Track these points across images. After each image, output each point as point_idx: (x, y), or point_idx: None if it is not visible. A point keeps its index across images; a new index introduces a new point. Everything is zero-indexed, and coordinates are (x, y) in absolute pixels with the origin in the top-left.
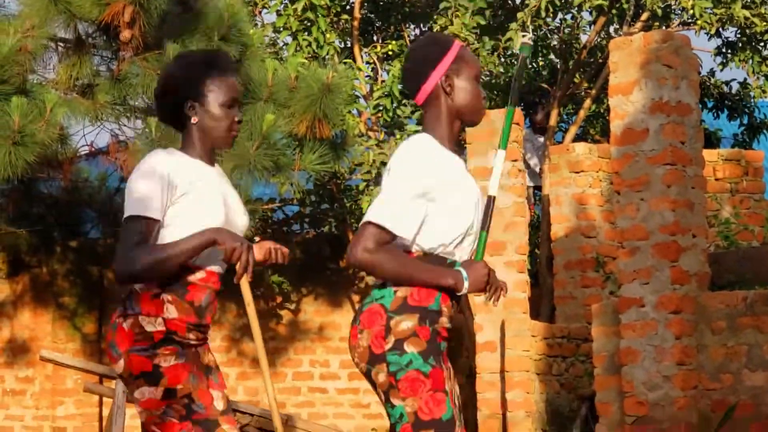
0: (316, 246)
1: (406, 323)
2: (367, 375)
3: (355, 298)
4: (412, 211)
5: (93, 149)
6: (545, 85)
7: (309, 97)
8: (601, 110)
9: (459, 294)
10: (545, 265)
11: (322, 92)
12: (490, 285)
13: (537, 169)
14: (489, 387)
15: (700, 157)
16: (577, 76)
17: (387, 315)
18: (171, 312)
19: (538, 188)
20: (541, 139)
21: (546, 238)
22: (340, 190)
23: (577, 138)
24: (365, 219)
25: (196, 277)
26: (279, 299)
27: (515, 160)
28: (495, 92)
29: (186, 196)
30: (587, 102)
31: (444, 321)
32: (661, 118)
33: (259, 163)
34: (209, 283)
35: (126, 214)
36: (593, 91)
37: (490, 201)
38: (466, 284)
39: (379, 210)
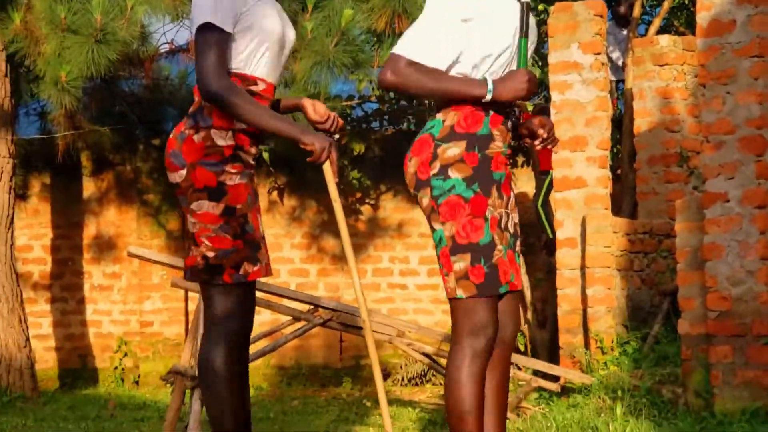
0: (394, 143)
1: (453, 150)
2: (417, 201)
3: None
4: (443, 40)
5: (173, 47)
6: None
7: None
8: (686, 1)
9: (490, 102)
10: (627, 161)
11: None
12: (531, 90)
13: (620, 63)
14: (569, 283)
15: None
16: None
17: (435, 143)
18: (239, 123)
19: (621, 82)
20: (624, 32)
21: (629, 133)
22: None
23: (661, 30)
24: (393, 50)
25: (259, 88)
26: (358, 195)
27: (597, 53)
28: None
29: (248, 4)
30: None
31: (497, 146)
32: (748, 8)
33: (337, 60)
34: (268, 94)
35: (200, 21)
36: None
37: (524, 6)
38: (490, 88)
39: (408, 42)
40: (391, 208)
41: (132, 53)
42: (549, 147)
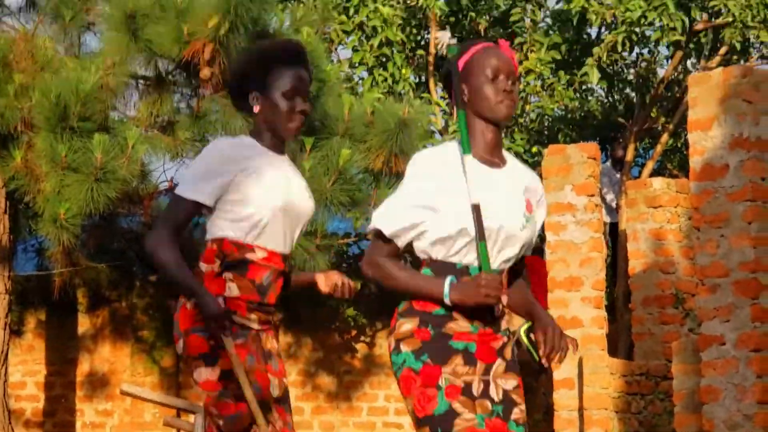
0: None
1: (406, 326)
2: None
3: None
4: (406, 215)
5: (173, 185)
6: (621, 120)
7: (385, 132)
8: (679, 144)
9: (449, 303)
10: (622, 302)
11: (398, 127)
12: (491, 297)
13: (613, 205)
14: (567, 425)
15: None
16: (654, 110)
17: (396, 318)
18: (233, 290)
19: (614, 224)
20: (618, 174)
21: (623, 274)
22: None
23: (654, 173)
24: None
25: (257, 256)
26: (354, 333)
27: (591, 195)
28: (570, 127)
29: (245, 172)
30: (664, 136)
31: (458, 325)
32: (741, 153)
33: (335, 198)
34: (271, 263)
35: (177, 190)
36: (670, 126)
37: (477, 210)
38: (446, 293)
39: (376, 213)
40: (387, 345)
41: (131, 191)
42: (555, 360)
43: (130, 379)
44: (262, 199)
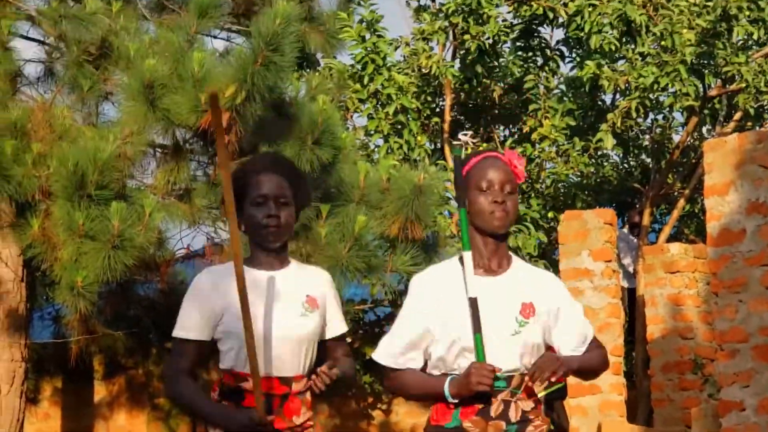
0: None
1: None
2: None
3: None
4: (402, 349)
5: (189, 252)
6: (638, 185)
7: (401, 198)
8: (695, 210)
9: (458, 401)
10: (641, 367)
11: (414, 194)
12: (482, 384)
13: (631, 270)
14: None
15: None
16: (669, 176)
17: None
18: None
19: (632, 290)
20: (635, 240)
21: (641, 340)
22: None
23: (671, 238)
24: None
25: (250, 383)
26: (371, 399)
27: (608, 261)
28: (586, 192)
29: (227, 311)
30: (681, 202)
31: None
32: (758, 218)
33: (351, 265)
34: (265, 390)
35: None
36: (687, 191)
37: (473, 303)
38: (446, 389)
39: (381, 349)
40: (403, 412)
41: (148, 258)
42: (538, 382)
43: None
44: (233, 329)
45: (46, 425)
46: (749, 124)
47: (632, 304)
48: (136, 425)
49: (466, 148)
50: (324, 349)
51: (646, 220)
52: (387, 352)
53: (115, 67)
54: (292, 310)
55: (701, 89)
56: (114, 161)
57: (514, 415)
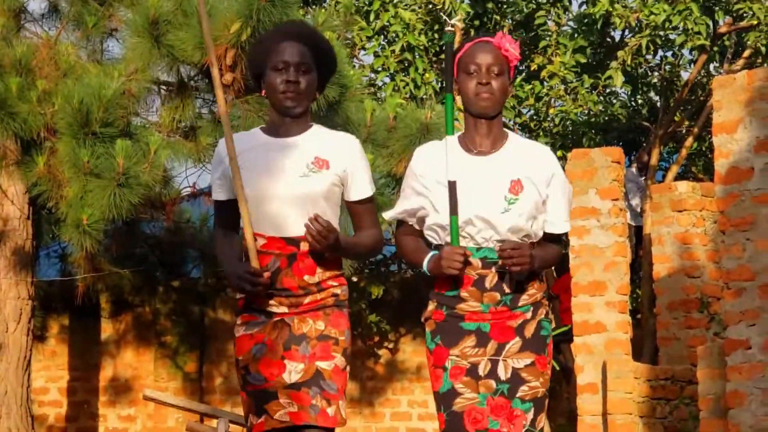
0: (413, 285)
1: (429, 307)
2: None
3: None
4: (404, 203)
5: (195, 190)
6: (646, 123)
7: (407, 137)
8: (703, 148)
9: (428, 273)
10: (647, 306)
11: (421, 132)
12: (452, 269)
13: (638, 209)
14: (591, 430)
15: None
16: (678, 114)
17: (428, 301)
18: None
19: (639, 228)
20: (643, 179)
21: (648, 278)
22: None
23: (679, 176)
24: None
25: (258, 244)
26: (377, 338)
27: (615, 199)
28: (594, 131)
29: (242, 169)
30: (689, 140)
31: (468, 306)
32: (766, 157)
33: None
34: (272, 249)
35: None
36: (695, 129)
37: (452, 186)
38: (425, 264)
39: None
40: (410, 351)
41: (154, 196)
42: (508, 265)
43: (153, 384)
44: (240, 195)
45: (53, 362)
46: (759, 61)
47: (639, 242)
48: (143, 363)
49: (455, 32)
50: (351, 213)
51: (654, 158)
52: (394, 212)
53: (120, 4)
54: (294, 170)
55: (712, 27)
56: (119, 98)
57: (508, 285)
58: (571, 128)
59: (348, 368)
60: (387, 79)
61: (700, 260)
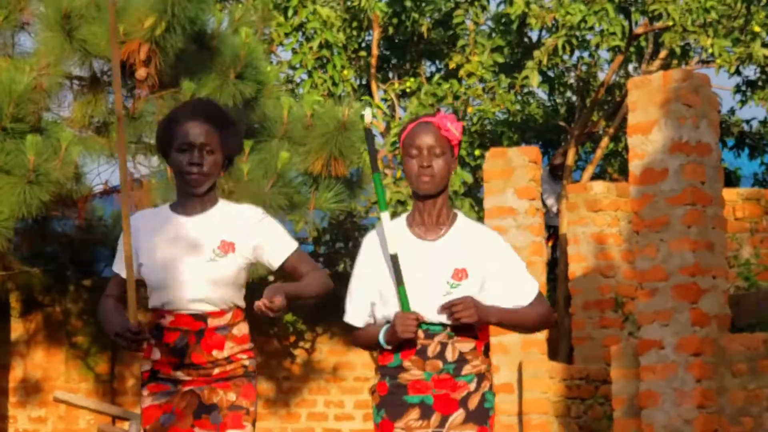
0: (334, 286)
1: (374, 381)
2: None
3: None
4: (356, 299)
5: (107, 188)
6: (563, 123)
7: (324, 134)
8: (619, 149)
9: (396, 346)
10: (563, 305)
11: (338, 130)
12: (406, 333)
13: (554, 210)
14: (506, 430)
15: (720, 197)
16: (594, 114)
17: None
18: (155, 354)
19: (555, 228)
20: (555, 182)
21: (563, 278)
22: (356, 228)
23: (595, 176)
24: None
25: (166, 321)
26: (293, 338)
27: (532, 199)
28: (512, 129)
29: (150, 248)
30: (605, 140)
31: (411, 375)
32: (680, 158)
33: (274, 202)
34: (180, 326)
35: None
36: (611, 130)
37: (394, 258)
38: (380, 336)
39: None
40: (327, 350)
41: (65, 194)
42: (456, 318)
43: (64, 385)
44: (145, 271)
45: None
46: (675, 62)
47: (555, 242)
48: (53, 363)
49: (371, 123)
50: (286, 272)
51: (571, 158)
52: (349, 314)
53: None
54: (201, 255)
55: (628, 28)
56: (30, 93)
57: (451, 355)
58: (489, 127)
59: None
60: (305, 76)
61: (615, 260)
